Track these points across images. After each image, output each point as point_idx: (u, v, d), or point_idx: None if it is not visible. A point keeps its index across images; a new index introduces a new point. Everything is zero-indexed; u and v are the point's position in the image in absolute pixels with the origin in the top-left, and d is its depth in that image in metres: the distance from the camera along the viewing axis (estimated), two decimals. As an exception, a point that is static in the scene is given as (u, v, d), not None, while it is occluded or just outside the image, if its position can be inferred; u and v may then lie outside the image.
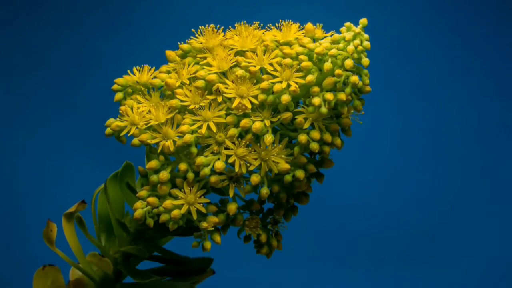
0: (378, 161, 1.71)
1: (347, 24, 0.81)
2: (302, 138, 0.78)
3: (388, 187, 1.69)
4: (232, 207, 0.79)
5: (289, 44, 0.82)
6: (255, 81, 0.79)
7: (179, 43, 0.85)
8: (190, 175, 0.78)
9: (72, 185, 1.63)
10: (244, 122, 0.77)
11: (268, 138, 0.78)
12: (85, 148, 1.64)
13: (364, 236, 1.68)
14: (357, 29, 0.80)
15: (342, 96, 0.78)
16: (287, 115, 0.78)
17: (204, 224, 0.79)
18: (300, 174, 0.79)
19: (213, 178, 0.78)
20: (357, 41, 0.79)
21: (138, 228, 0.85)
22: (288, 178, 0.79)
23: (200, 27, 0.85)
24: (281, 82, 0.78)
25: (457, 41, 1.75)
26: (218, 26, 0.85)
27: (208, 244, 0.80)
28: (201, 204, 0.79)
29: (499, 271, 1.67)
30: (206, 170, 0.78)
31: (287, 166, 0.78)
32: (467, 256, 1.67)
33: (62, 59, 1.67)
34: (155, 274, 0.86)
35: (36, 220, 1.62)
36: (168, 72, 0.84)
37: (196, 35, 0.85)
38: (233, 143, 0.78)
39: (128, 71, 0.86)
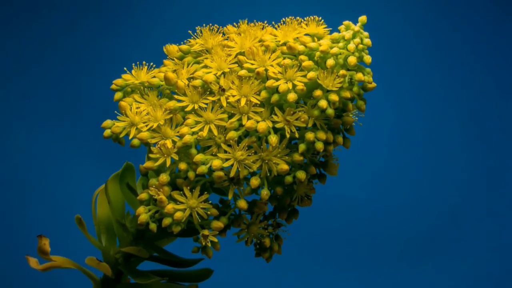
0: (377, 161, 1.71)
1: (346, 22, 0.80)
2: (310, 136, 0.77)
3: (388, 187, 1.69)
4: (242, 204, 0.79)
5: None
6: (255, 80, 0.79)
7: (177, 45, 0.85)
8: (191, 174, 0.78)
9: (72, 186, 1.62)
10: (250, 123, 0.77)
11: (273, 138, 0.77)
12: (86, 148, 1.64)
13: (364, 236, 1.68)
14: (356, 27, 0.79)
15: (346, 94, 0.78)
16: (301, 114, 0.78)
17: (206, 232, 0.79)
18: (301, 175, 0.79)
19: (217, 174, 0.77)
20: (357, 40, 0.79)
21: (138, 229, 0.85)
22: (289, 179, 0.79)
23: (197, 28, 0.85)
24: (285, 82, 0.77)
25: (457, 41, 1.75)
26: (216, 26, 0.84)
27: (210, 252, 0.80)
28: (203, 210, 0.78)
29: (499, 271, 1.67)
30: (204, 168, 0.77)
31: (287, 167, 0.78)
32: (467, 256, 1.67)
33: (62, 59, 1.67)
34: (156, 276, 0.86)
35: (37, 220, 1.62)
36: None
37: (193, 36, 0.85)
38: (230, 145, 0.77)
39: (131, 69, 0.85)
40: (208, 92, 0.79)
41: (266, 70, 0.79)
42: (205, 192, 0.79)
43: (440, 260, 1.67)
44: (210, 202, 0.79)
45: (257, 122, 0.77)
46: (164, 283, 0.87)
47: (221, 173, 0.77)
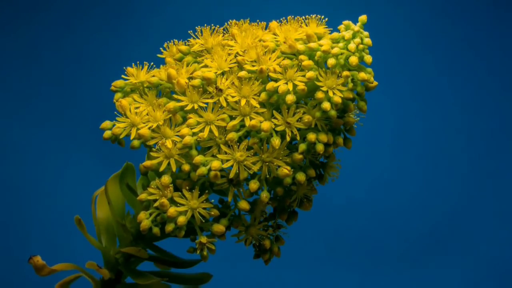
0: (377, 161, 1.71)
1: (346, 22, 0.80)
2: (312, 137, 0.77)
3: (388, 188, 1.69)
4: (243, 205, 0.79)
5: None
6: (255, 81, 0.78)
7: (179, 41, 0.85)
8: (194, 175, 0.77)
9: (72, 186, 1.62)
10: (254, 122, 0.76)
11: (276, 141, 0.76)
12: (86, 148, 1.64)
13: (364, 237, 1.68)
14: (356, 27, 0.79)
15: (348, 94, 0.77)
16: (303, 116, 0.77)
17: (203, 240, 0.78)
18: (300, 177, 0.78)
19: (213, 173, 0.76)
20: (357, 40, 0.78)
21: (138, 229, 0.85)
22: (288, 180, 0.78)
23: (196, 27, 0.84)
24: (286, 83, 0.77)
25: (457, 41, 1.75)
26: (218, 26, 0.84)
27: (206, 256, 0.80)
28: (205, 210, 0.78)
29: (499, 271, 1.67)
30: (204, 170, 0.77)
31: (287, 172, 0.77)
32: (467, 257, 1.67)
33: (62, 59, 1.67)
34: (156, 276, 0.86)
35: (37, 220, 1.62)
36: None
37: (193, 36, 0.84)
38: (230, 146, 0.77)
39: (133, 68, 0.85)
40: (208, 92, 0.79)
41: (267, 69, 0.78)
42: (206, 191, 0.78)
43: (441, 261, 1.67)
44: (212, 201, 0.79)
45: (261, 122, 0.77)
46: (164, 283, 0.87)
47: (216, 173, 0.76)
